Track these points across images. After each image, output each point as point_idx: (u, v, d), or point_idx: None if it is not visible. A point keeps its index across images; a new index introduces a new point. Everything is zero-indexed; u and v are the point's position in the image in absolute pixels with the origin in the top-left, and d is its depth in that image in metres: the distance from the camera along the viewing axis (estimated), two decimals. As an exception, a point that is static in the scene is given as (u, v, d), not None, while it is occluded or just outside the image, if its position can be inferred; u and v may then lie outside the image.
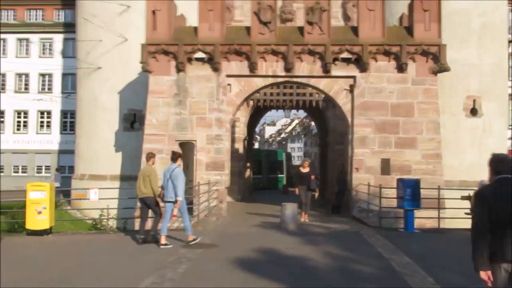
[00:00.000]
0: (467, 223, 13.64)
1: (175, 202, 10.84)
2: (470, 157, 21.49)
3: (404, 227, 13.47)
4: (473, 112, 22.43)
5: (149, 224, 11.91)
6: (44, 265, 9.59)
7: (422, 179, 14.49)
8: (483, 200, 4.54)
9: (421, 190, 13.56)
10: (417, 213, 13.58)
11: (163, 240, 10.81)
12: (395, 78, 17.14)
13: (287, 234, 12.70)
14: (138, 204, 12.96)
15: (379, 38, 17.06)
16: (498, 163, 4.89)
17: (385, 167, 16.63)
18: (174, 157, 11.35)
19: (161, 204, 11.45)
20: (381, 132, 16.96)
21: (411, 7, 17.58)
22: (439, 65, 16.96)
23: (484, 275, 4.40)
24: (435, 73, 17.12)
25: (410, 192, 13.32)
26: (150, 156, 11.85)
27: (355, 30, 17.65)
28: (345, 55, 17.12)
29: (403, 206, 13.46)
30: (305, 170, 15.84)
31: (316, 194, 16.28)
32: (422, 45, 16.86)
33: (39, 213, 12.42)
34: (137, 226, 13.88)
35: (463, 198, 13.90)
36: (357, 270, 8.80)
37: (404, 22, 18.69)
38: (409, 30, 17.45)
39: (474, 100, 22.18)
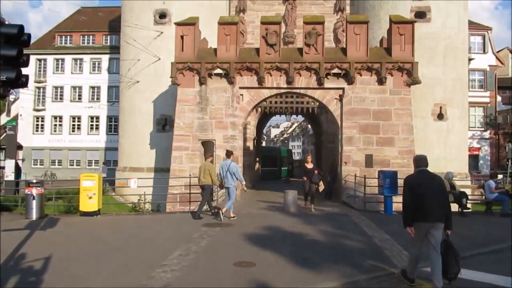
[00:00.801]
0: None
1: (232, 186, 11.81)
2: (437, 152, 21.33)
3: (384, 210, 13.37)
4: (440, 116, 22.30)
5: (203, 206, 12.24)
6: (99, 236, 9.66)
7: (398, 171, 14.33)
8: (409, 185, 5.98)
9: (398, 180, 13.41)
10: (395, 198, 13.41)
11: (231, 214, 11.75)
12: (376, 89, 16.98)
13: (289, 215, 12.64)
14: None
15: (363, 57, 16.91)
16: (418, 161, 6.30)
17: (369, 161, 16.48)
18: (228, 154, 12.22)
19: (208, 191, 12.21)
20: (365, 133, 16.82)
21: (389, 32, 17.43)
22: (412, 79, 16.79)
23: (409, 229, 5.89)
24: (408, 85, 16.94)
25: (389, 181, 13.23)
26: (210, 156, 12.84)
27: (344, 50, 17.50)
28: (335, 70, 16.98)
29: (383, 193, 13.39)
30: (310, 165, 14.48)
31: (321, 188, 14.25)
32: (398, 62, 16.69)
33: (89, 198, 12.47)
34: (169, 208, 14.07)
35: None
36: (345, 244, 8.73)
37: (384, 44, 18.49)
38: (388, 50, 17.28)
39: (441, 107, 22.09)
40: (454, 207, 13.46)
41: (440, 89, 22.46)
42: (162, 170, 22.19)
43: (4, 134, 25.70)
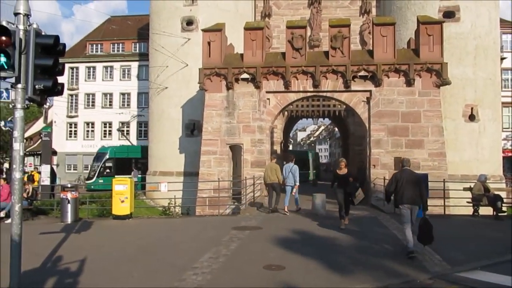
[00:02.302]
0: (469, 210, 13.19)
1: (293, 185, 13.73)
2: (468, 154, 20.79)
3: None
4: (471, 117, 21.71)
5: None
6: (131, 239, 9.84)
7: (429, 174, 14.04)
8: (395, 178, 8.20)
9: (429, 183, 13.14)
10: (426, 202, 13.16)
11: (286, 209, 13.43)
12: (404, 91, 16.70)
13: (318, 218, 12.53)
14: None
15: (391, 59, 16.67)
16: (403, 162, 8.52)
17: (398, 164, 16.20)
18: (290, 158, 14.44)
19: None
20: (393, 135, 16.56)
21: (417, 33, 17.12)
22: (441, 80, 16.43)
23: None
24: (438, 86, 16.58)
25: (420, 184, 12.93)
26: (274, 158, 14.84)
27: (370, 52, 17.30)
28: (362, 73, 16.81)
29: (413, 196, 13.08)
30: (342, 172, 10.86)
31: (358, 198, 11.17)
32: (427, 64, 16.37)
33: (122, 202, 12.72)
34: (199, 212, 14.16)
35: (465, 189, 13.38)
36: (375, 248, 8.59)
37: (412, 45, 18.19)
38: (416, 51, 16.96)
39: (472, 108, 21.49)
40: (489, 211, 13.13)
41: (471, 89, 21.87)
42: (191, 174, 22.46)
43: (40, 140, 26.56)
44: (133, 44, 41.64)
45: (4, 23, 5.12)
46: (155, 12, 26.73)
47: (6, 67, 5.10)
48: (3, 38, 5.06)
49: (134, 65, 40.60)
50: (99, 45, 42.48)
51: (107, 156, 30.50)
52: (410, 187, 7.92)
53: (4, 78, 5.25)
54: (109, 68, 41.28)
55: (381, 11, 25.46)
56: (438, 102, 16.65)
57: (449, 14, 21.95)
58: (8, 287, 5.35)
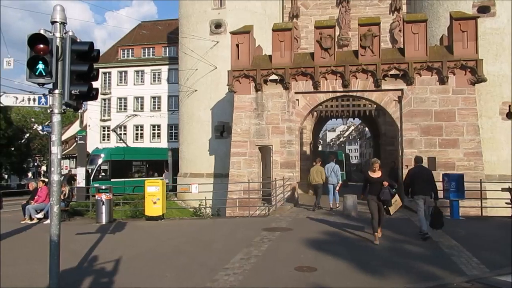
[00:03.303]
0: (507, 212, 12.71)
1: (336, 184, 15.30)
2: (506, 153, 19.98)
3: (450, 214, 12.71)
4: (509, 115, 20.90)
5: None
6: (164, 240, 10.02)
7: (465, 174, 13.63)
8: (411, 174, 9.75)
9: (464, 183, 12.77)
10: (461, 203, 12.78)
11: (331, 205, 15.18)
12: (437, 89, 16.28)
13: (349, 219, 12.40)
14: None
15: (423, 57, 16.29)
16: (416, 159, 10.09)
17: (431, 164, 15.74)
18: (331, 159, 16.15)
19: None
20: (427, 135, 16.16)
21: (450, 29, 16.67)
22: (476, 77, 15.92)
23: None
24: (473, 83, 16.08)
25: (455, 185, 12.58)
26: (319, 161, 15.84)
27: (401, 51, 16.96)
28: (393, 72, 16.49)
29: (449, 197, 12.74)
30: (376, 174, 9.27)
31: (394, 207, 9.35)
32: (461, 60, 15.89)
33: (154, 203, 12.97)
34: (229, 213, 14.29)
35: (504, 189, 12.90)
36: (409, 250, 8.42)
37: (444, 42, 17.70)
38: (449, 48, 16.50)
39: (510, 106, 20.70)
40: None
41: (508, 86, 21.03)
42: (221, 175, 22.63)
43: (75, 143, 27.43)
44: (163, 48, 42.41)
45: (42, 32, 5.33)
46: (184, 17, 27.12)
47: (44, 73, 5.30)
48: (41, 46, 5.26)
49: (164, 69, 41.36)
50: (130, 50, 43.49)
51: (102, 159, 27.87)
52: (423, 181, 9.48)
53: (43, 84, 5.46)
54: (140, 72, 42.21)
55: (411, 8, 24.91)
56: (473, 100, 16.15)
57: (484, 9, 21.20)
58: (47, 286, 5.54)
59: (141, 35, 44.35)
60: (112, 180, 25.00)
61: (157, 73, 41.82)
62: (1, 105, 6.26)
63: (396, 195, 9.26)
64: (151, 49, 42.85)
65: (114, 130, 35.43)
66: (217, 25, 25.17)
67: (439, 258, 7.67)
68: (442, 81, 16.11)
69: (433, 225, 9.63)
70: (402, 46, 17.54)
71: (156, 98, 41.73)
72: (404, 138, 16.42)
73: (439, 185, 13.65)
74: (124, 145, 32.79)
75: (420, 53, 16.34)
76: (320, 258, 7.72)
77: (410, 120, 16.37)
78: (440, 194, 13.44)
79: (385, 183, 9.05)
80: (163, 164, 30.56)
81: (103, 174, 27.22)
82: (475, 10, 20.88)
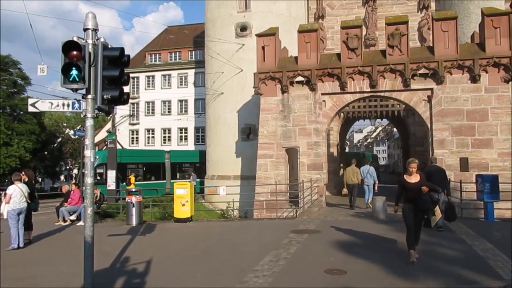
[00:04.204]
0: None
1: (373, 184, 15.93)
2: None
3: (485, 217, 12.33)
4: (545, 114, 20.13)
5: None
6: (193, 241, 10.14)
7: (499, 175, 13.18)
8: (425, 172, 8.82)
9: (499, 185, 12.36)
10: (496, 204, 12.37)
11: (369, 203, 15.39)
12: (469, 88, 15.84)
13: (378, 222, 12.20)
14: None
15: (453, 55, 15.90)
16: (431, 159, 11.28)
17: (464, 165, 15.36)
18: (367, 161, 17.12)
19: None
20: (458, 135, 15.75)
21: (481, 26, 16.20)
22: (510, 74, 15.40)
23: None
24: (507, 81, 15.57)
25: (489, 186, 12.18)
26: (354, 162, 16.64)
27: (430, 49, 16.60)
28: (422, 71, 16.16)
29: (483, 199, 12.35)
30: (413, 179, 7.63)
31: (436, 217, 8.25)
32: (494, 58, 15.42)
33: (183, 205, 13.12)
34: (256, 215, 14.29)
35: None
36: (441, 253, 8.20)
37: (476, 39, 17.22)
38: (481, 45, 16.04)
39: (546, 103, 19.93)
40: None
41: (544, 83, 20.32)
42: (248, 177, 22.70)
43: (105, 147, 28.05)
44: (189, 52, 42.97)
45: (75, 39, 5.49)
46: (210, 20, 27.40)
47: (77, 79, 5.45)
48: (75, 52, 5.42)
49: (191, 73, 41.89)
50: (157, 54, 44.26)
51: (97, 162, 26.59)
52: (437, 179, 9.98)
53: (76, 89, 5.62)
54: (167, 76, 42.90)
55: (440, 5, 24.38)
56: (507, 98, 15.63)
57: (517, 4, 20.56)
58: (81, 286, 5.69)
59: (168, 39, 45.06)
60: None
61: (183, 77, 42.40)
62: (37, 110, 6.46)
63: (437, 205, 7.91)
64: (177, 53, 43.49)
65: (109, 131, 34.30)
66: (243, 28, 25.32)
67: (474, 261, 7.45)
68: (474, 79, 15.68)
69: (448, 218, 10.06)
70: (431, 45, 17.16)
71: (183, 102, 42.30)
72: (434, 139, 16.06)
73: (473, 187, 13.38)
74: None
75: (450, 51, 15.96)
76: (350, 261, 7.63)
77: (440, 120, 15.99)
78: (474, 196, 13.21)
79: (425, 188, 7.40)
80: (160, 166, 30.14)
81: (98, 178, 25.89)
82: (507, 6, 20.27)
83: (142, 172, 30.15)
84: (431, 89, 16.20)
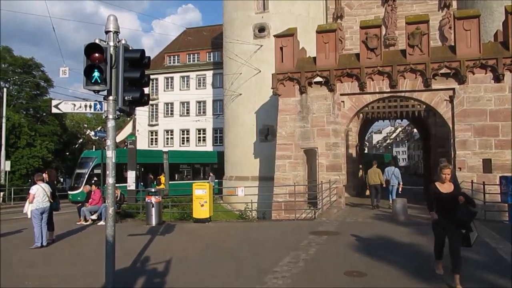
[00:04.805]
0: None
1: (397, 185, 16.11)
2: None
3: (509, 219, 12.03)
4: None
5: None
6: (212, 242, 10.16)
7: (524, 176, 12.85)
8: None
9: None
10: (521, 207, 12.08)
11: (391, 202, 14.98)
12: (492, 88, 15.49)
13: (398, 224, 12.03)
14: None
15: (476, 54, 15.57)
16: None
17: (487, 166, 15.00)
18: (392, 163, 17.83)
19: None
20: (481, 136, 15.41)
21: (505, 24, 15.82)
22: (535, 74, 15.03)
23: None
24: (531, 80, 15.19)
25: (514, 188, 11.91)
26: (375, 163, 16.88)
27: (452, 48, 16.30)
28: (444, 70, 15.86)
29: (507, 201, 12.06)
30: (446, 188, 6.48)
31: (473, 234, 6.36)
32: (518, 57, 15.06)
33: (201, 206, 13.18)
34: (275, 216, 14.31)
35: None
36: (464, 256, 7.98)
37: (499, 38, 16.80)
38: (505, 44, 15.65)
39: None
40: None
41: None
42: (266, 178, 22.65)
43: (125, 148, 28.36)
44: (207, 53, 43.21)
45: (97, 41, 5.57)
46: (228, 22, 27.49)
47: (99, 81, 5.54)
48: (97, 54, 5.50)
49: (209, 74, 42.11)
50: (176, 56, 44.65)
51: (95, 162, 25.82)
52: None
53: (98, 91, 5.70)
54: (185, 78, 43.22)
55: (462, 4, 23.90)
56: (532, 98, 15.23)
57: (543, 1, 20.03)
58: (103, 285, 5.77)
59: (186, 41, 45.42)
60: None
61: (202, 78, 42.65)
62: (61, 112, 6.58)
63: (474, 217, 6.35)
64: (196, 54, 43.78)
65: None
66: (261, 29, 25.31)
67: (500, 265, 7.28)
68: (498, 79, 15.32)
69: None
70: (452, 44, 16.86)
71: (201, 103, 42.54)
72: (456, 140, 15.75)
73: (496, 188, 13.08)
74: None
75: (472, 50, 15.64)
76: (370, 263, 7.53)
77: (463, 120, 15.68)
78: (498, 198, 12.90)
79: (461, 198, 6.23)
80: (159, 167, 30.04)
81: (95, 178, 24.77)
82: (532, 3, 19.74)
83: (140, 173, 28.97)
84: (453, 89, 15.91)
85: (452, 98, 15.94)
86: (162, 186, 26.00)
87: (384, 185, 16.34)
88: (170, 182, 29.38)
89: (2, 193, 26.95)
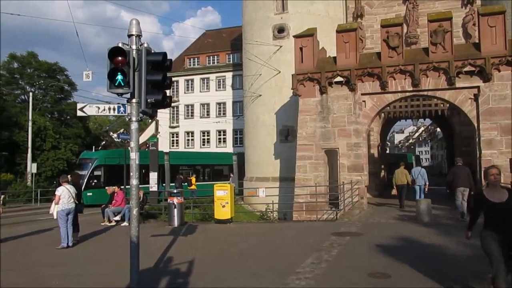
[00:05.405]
0: None
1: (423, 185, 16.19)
2: None
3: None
4: None
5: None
6: (234, 243, 10.23)
7: (553, 176, 12.49)
8: (452, 172, 13.32)
9: (553, 187, 11.67)
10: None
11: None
12: (519, 85, 15.11)
13: (422, 225, 11.83)
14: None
15: (501, 51, 15.19)
16: (456, 160, 13.62)
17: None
18: (418, 163, 17.96)
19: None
20: (507, 135, 15.02)
21: (532, 19, 15.43)
22: None
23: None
24: (560, 77, 14.73)
25: (542, 188, 11.54)
26: (403, 164, 17.24)
27: (476, 45, 15.95)
28: (468, 68, 15.54)
29: (535, 201, 11.72)
30: (498, 196, 5.16)
31: None
32: (546, 53, 14.63)
33: (223, 207, 13.25)
34: (296, 217, 14.28)
35: None
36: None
37: (526, 34, 16.42)
38: (532, 40, 15.27)
39: None
40: None
41: None
42: (286, 179, 22.60)
43: (147, 149, 28.70)
44: (227, 55, 43.44)
45: (120, 45, 5.67)
46: (248, 23, 27.56)
47: (123, 84, 5.62)
48: (120, 58, 5.59)
49: (229, 75, 42.33)
50: (196, 58, 45.04)
51: (95, 164, 24.96)
52: (462, 176, 12.45)
53: (121, 94, 5.80)
54: (205, 79, 43.56)
55: (486, 0, 23.39)
56: (561, 95, 14.78)
57: None
58: (128, 285, 5.85)
59: (206, 43, 45.75)
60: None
61: (221, 80, 42.91)
62: (85, 115, 6.73)
63: None
64: (215, 56, 44.07)
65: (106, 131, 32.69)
66: (280, 30, 25.28)
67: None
68: (525, 76, 14.93)
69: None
70: (477, 41, 16.51)
71: (221, 104, 42.79)
72: (482, 139, 15.40)
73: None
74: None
75: (498, 47, 15.26)
76: (393, 264, 7.43)
77: (488, 119, 15.32)
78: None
79: None
80: (160, 169, 30.01)
81: (95, 181, 24.39)
82: (560, -3, 19.19)
83: (141, 174, 29.60)
84: (478, 87, 15.56)
85: (477, 97, 15.60)
86: (193, 187, 26.27)
87: (410, 185, 16.53)
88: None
89: (2, 196, 27.17)
